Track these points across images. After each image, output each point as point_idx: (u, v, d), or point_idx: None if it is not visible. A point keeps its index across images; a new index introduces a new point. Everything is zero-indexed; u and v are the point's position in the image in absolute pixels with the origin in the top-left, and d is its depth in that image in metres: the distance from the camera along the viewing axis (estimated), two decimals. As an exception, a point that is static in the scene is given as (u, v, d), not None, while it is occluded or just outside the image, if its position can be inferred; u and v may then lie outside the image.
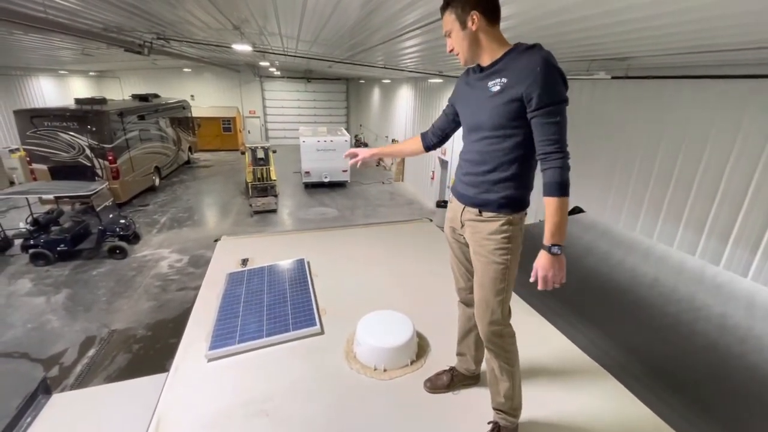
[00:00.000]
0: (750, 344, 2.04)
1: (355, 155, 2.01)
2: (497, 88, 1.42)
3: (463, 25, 1.43)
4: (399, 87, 14.51)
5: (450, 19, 1.46)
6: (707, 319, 2.29)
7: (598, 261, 3.06)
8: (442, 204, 10.21)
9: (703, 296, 2.47)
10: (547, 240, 1.37)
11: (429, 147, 1.93)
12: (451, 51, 1.53)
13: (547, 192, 1.36)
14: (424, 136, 1.94)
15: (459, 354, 1.96)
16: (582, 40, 3.10)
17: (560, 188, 1.34)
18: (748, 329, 2.14)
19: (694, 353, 2.09)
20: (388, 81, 15.46)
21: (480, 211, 1.54)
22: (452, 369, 1.96)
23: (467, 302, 1.83)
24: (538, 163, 1.44)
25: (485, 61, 1.48)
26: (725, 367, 1.97)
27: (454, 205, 1.71)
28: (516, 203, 1.50)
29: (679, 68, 3.91)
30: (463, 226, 1.64)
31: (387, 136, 16.60)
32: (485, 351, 1.66)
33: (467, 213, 1.60)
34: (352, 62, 8.06)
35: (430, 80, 10.74)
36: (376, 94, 18.61)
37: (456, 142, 9.97)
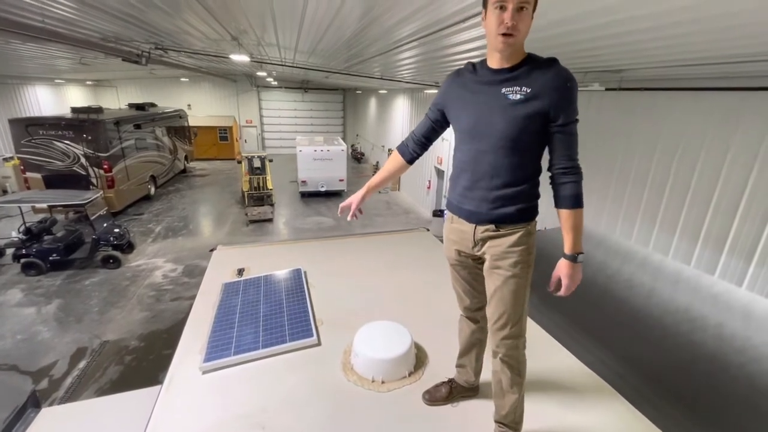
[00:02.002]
0: (748, 354, 2.04)
1: (348, 207, 1.80)
2: (518, 97, 1.35)
3: (534, 11, 1.31)
4: (395, 97, 14.63)
5: None
6: (704, 329, 2.29)
7: (595, 271, 3.07)
8: (438, 213, 10.22)
9: (700, 306, 2.48)
10: (570, 249, 1.42)
11: (412, 159, 1.79)
12: (511, 27, 1.27)
13: (567, 204, 1.40)
14: (403, 149, 1.78)
15: (459, 366, 1.93)
16: (577, 53, 3.15)
17: (579, 200, 1.40)
18: (746, 339, 2.14)
19: (693, 364, 2.09)
20: (385, 91, 15.60)
21: (497, 227, 1.49)
22: (451, 381, 1.93)
23: (474, 319, 1.79)
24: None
25: (509, 61, 1.38)
26: (724, 378, 1.97)
27: (460, 226, 1.60)
28: (531, 212, 1.50)
29: (671, 80, 3.98)
30: (476, 245, 1.55)
31: (383, 146, 16.69)
32: (496, 363, 1.61)
33: (482, 231, 1.52)
34: (349, 73, 8.13)
35: (426, 91, 10.84)
36: (372, 104, 18.75)
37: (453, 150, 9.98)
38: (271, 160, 13.58)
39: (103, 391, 4.64)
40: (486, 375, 1.90)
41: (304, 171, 13.27)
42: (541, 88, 1.33)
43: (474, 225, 1.54)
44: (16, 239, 7.45)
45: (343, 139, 20.39)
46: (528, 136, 1.38)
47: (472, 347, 1.84)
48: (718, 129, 3.64)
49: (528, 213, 1.49)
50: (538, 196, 1.51)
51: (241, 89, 21.00)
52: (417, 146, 1.76)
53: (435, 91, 9.82)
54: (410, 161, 1.80)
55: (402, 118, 13.89)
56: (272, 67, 9.64)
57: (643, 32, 2.19)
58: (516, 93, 1.35)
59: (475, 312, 1.77)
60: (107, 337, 5.71)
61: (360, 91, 20.64)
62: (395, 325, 2.22)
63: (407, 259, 3.49)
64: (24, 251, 7.31)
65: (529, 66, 1.36)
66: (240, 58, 6.49)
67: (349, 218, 1.82)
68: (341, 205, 1.83)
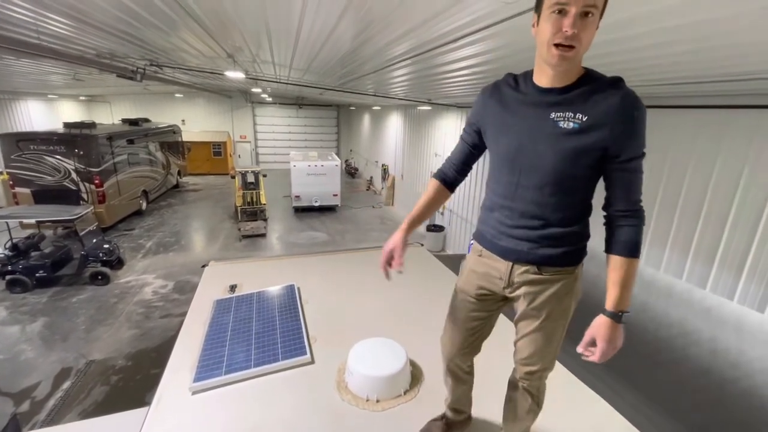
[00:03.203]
0: (742, 369, 2.04)
1: (390, 262, 1.52)
2: (571, 125, 1.13)
3: (601, 18, 1.06)
4: (389, 114, 14.82)
5: None
6: (698, 343, 2.29)
7: (589, 286, 3.06)
8: (432, 228, 10.23)
9: (693, 320, 2.49)
10: (613, 305, 1.20)
11: (454, 186, 1.56)
12: (571, 36, 1.03)
13: (622, 251, 1.19)
14: (444, 177, 1.54)
15: (451, 410, 1.78)
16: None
17: (637, 248, 1.20)
18: (739, 354, 2.15)
19: (689, 379, 2.08)
20: (378, 108, 15.80)
21: (539, 268, 1.30)
22: (444, 417, 1.82)
23: (456, 375, 1.65)
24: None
25: (563, 80, 1.14)
26: (720, 393, 1.96)
27: (492, 262, 1.38)
28: (579, 255, 1.33)
29: (659, 98, 4.09)
30: (509, 286, 1.36)
31: (377, 161, 16.80)
32: (516, 387, 1.52)
33: (521, 272, 1.32)
34: (343, 90, 8.24)
35: (419, 107, 11.00)
36: (366, 120, 18.96)
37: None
38: (265, 175, 13.58)
39: (87, 413, 4.48)
40: (482, 398, 1.87)
41: (297, 186, 13.29)
42: (601, 116, 1.10)
43: (511, 263, 1.33)
44: (2, 256, 7.30)
45: (337, 154, 20.49)
46: (581, 171, 1.17)
47: (462, 396, 1.74)
48: (704, 145, 3.73)
49: (575, 256, 1.31)
50: (587, 236, 1.33)
51: (235, 105, 21.14)
52: (458, 174, 1.54)
53: (428, 107, 9.96)
54: (451, 188, 1.56)
55: (395, 134, 14.05)
56: (267, 84, 9.75)
57: (632, 52, 2.25)
58: (569, 120, 1.13)
59: (458, 361, 1.60)
60: (93, 356, 5.54)
61: (354, 108, 20.89)
62: (390, 341, 2.20)
63: (402, 275, 3.46)
64: (9, 268, 7.15)
65: (587, 87, 1.13)
66: (235, 75, 6.56)
67: (394, 272, 1.49)
68: (382, 261, 1.47)
